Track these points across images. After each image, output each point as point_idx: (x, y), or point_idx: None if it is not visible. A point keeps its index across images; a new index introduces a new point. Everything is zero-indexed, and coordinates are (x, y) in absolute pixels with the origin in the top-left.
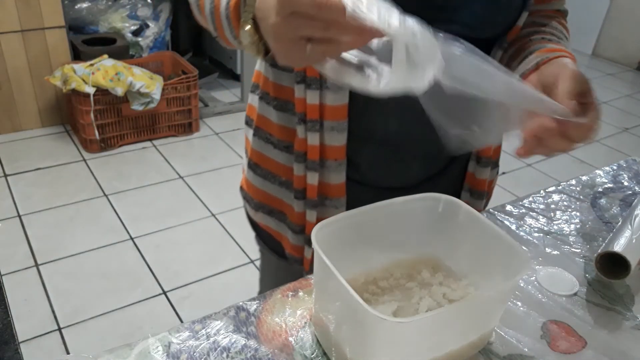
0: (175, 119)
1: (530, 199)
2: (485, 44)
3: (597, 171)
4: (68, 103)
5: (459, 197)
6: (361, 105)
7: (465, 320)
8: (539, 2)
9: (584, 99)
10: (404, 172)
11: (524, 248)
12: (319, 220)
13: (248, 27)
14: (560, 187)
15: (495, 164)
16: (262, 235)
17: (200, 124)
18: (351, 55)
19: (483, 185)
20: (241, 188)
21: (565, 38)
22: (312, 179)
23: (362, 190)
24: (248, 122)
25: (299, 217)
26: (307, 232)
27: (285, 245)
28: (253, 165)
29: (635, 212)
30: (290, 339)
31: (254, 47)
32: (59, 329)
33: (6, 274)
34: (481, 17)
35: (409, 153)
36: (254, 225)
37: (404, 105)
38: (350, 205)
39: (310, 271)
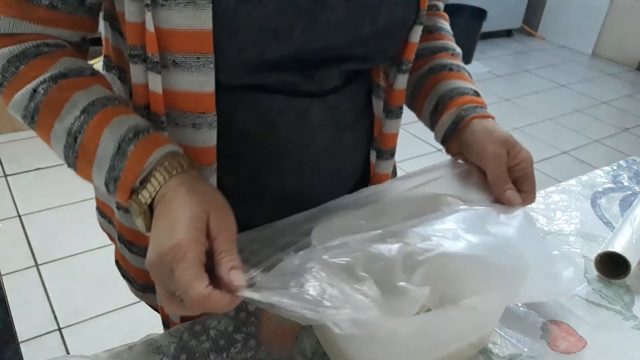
0: None
1: None
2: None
3: (597, 171)
4: None
5: None
6: (251, 166)
7: (465, 321)
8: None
9: (513, 172)
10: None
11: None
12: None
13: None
14: (560, 187)
15: (392, 153)
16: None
17: None
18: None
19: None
20: (117, 263)
21: (453, 39)
22: None
23: None
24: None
25: None
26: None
27: None
28: (126, 242)
29: (635, 212)
30: (291, 338)
31: (140, 217)
32: (59, 329)
33: (6, 274)
34: (373, 48)
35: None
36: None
37: (301, 163)
38: None
39: None
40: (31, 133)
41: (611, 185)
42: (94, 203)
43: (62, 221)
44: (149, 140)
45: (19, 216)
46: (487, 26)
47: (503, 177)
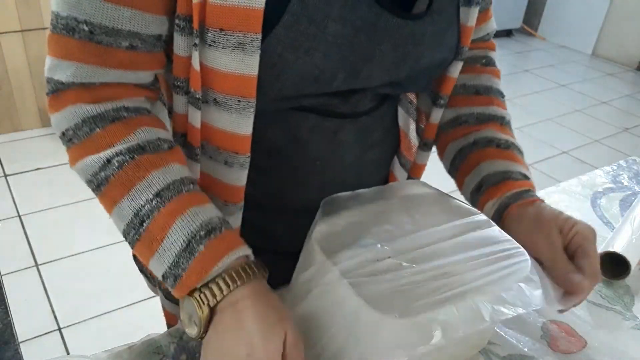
0: None
1: None
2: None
3: (597, 171)
4: None
5: None
6: (277, 180)
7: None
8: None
9: (569, 250)
10: None
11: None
12: None
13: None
14: (560, 187)
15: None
16: None
17: None
18: None
19: None
20: (134, 257)
21: (504, 99)
22: None
23: (277, 258)
24: None
25: None
26: None
27: None
28: None
29: (635, 212)
30: None
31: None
32: (59, 329)
33: (6, 274)
34: (410, 83)
35: None
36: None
37: (327, 180)
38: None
39: None
40: (31, 133)
41: (611, 185)
42: (94, 203)
43: (62, 221)
44: (220, 242)
45: (19, 216)
46: None
47: (561, 262)
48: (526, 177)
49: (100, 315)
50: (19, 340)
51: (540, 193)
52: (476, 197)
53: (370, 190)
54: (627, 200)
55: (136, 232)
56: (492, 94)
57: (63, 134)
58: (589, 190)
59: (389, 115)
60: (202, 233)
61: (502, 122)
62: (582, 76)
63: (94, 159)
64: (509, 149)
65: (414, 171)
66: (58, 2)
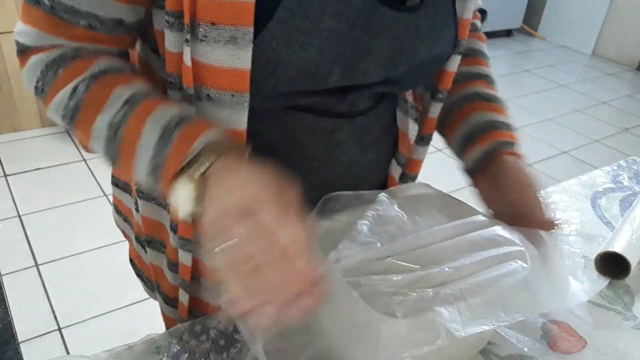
0: None
1: None
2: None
3: (597, 171)
4: None
5: None
6: None
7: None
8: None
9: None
10: None
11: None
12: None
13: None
14: (560, 187)
15: (414, 178)
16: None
17: None
18: None
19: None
20: (131, 261)
21: (489, 62)
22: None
23: None
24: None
25: None
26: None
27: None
28: (144, 243)
29: (635, 212)
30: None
31: (186, 203)
32: (59, 329)
33: (6, 274)
34: (407, 78)
35: None
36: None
37: (324, 180)
38: None
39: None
40: (31, 133)
41: (611, 185)
42: (94, 203)
43: (62, 221)
44: (192, 127)
45: (19, 216)
46: (487, 26)
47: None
48: (513, 130)
49: (100, 315)
50: (19, 340)
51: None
52: (465, 146)
53: (372, 192)
54: (627, 200)
55: (114, 142)
56: (478, 56)
57: (35, 89)
58: (589, 190)
59: (387, 115)
60: (174, 122)
61: (489, 80)
62: (582, 76)
63: (62, 93)
64: (496, 102)
65: (410, 167)
66: None
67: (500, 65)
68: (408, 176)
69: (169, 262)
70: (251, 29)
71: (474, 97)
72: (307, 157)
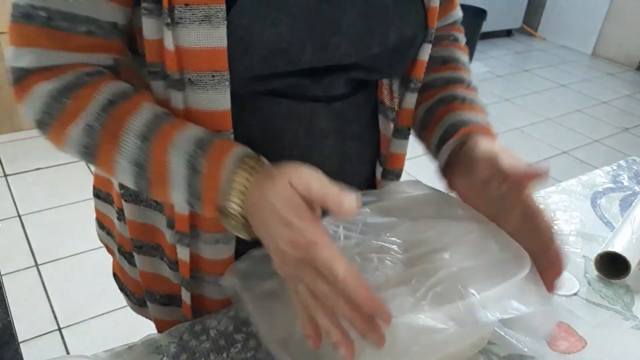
0: None
1: None
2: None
3: (597, 171)
4: None
5: None
6: None
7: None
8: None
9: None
10: None
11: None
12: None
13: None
14: (560, 187)
15: (398, 175)
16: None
17: None
18: None
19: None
20: (115, 275)
21: (470, 70)
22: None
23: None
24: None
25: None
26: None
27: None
28: (126, 254)
29: (635, 212)
30: None
31: (238, 227)
32: (59, 329)
33: (6, 274)
34: (381, 63)
35: None
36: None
37: None
38: None
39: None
40: (31, 133)
41: (611, 185)
42: (93, 203)
43: (62, 221)
44: (216, 150)
45: (19, 216)
46: (487, 26)
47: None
48: (489, 126)
49: (100, 315)
50: (19, 340)
51: (540, 193)
52: (439, 147)
53: (368, 192)
54: (627, 200)
55: (144, 178)
56: (460, 64)
57: (38, 122)
58: (589, 190)
59: (366, 110)
60: (195, 149)
61: (468, 84)
62: (582, 76)
63: (76, 130)
64: (473, 103)
65: (392, 162)
66: None
67: (500, 65)
68: (389, 172)
69: (169, 262)
70: (223, 6)
71: (451, 99)
72: (286, 145)
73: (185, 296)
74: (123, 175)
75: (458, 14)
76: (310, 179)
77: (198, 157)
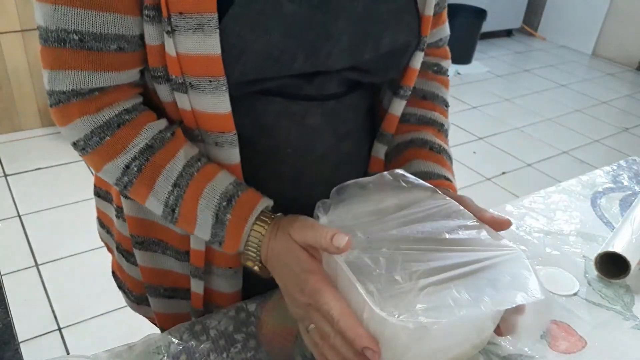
0: None
1: (530, 199)
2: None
3: (597, 171)
4: None
5: None
6: None
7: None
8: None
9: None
10: None
11: (522, 248)
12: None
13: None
14: (560, 187)
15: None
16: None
17: None
18: None
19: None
20: (114, 274)
21: (447, 110)
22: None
23: None
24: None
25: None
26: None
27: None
28: (124, 252)
29: (635, 212)
30: (291, 338)
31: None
32: (59, 329)
33: (6, 274)
34: (374, 68)
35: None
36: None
37: (300, 170)
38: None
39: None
40: (31, 133)
41: (611, 185)
42: (94, 203)
43: (62, 221)
44: (241, 205)
45: (19, 216)
46: (487, 26)
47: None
48: (448, 179)
49: (100, 315)
50: (19, 340)
51: (540, 193)
52: None
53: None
54: (627, 200)
55: (172, 217)
56: (437, 102)
57: (75, 144)
58: (589, 190)
59: (361, 110)
60: (224, 204)
61: (440, 128)
62: (582, 76)
63: (114, 166)
64: (440, 153)
65: (373, 165)
66: (44, 16)
67: (500, 65)
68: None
69: (177, 253)
70: (215, 15)
71: (421, 143)
72: (280, 143)
73: (197, 287)
74: (152, 208)
75: (446, 30)
76: (304, 227)
77: (226, 212)
